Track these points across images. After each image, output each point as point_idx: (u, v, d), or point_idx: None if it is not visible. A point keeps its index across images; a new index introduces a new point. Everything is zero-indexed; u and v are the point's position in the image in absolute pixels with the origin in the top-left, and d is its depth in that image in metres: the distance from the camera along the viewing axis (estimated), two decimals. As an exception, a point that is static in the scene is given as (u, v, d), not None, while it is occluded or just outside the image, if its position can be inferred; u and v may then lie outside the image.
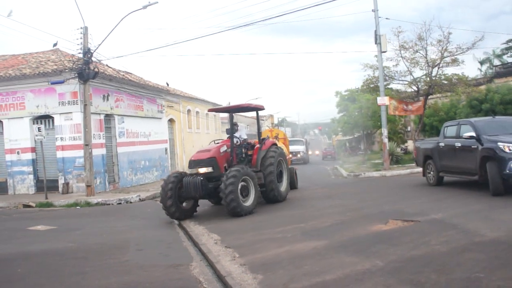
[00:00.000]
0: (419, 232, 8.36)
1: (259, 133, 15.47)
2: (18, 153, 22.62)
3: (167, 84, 36.20)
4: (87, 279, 6.96)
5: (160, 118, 30.27)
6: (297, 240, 8.62)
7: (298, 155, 47.63)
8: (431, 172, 15.62)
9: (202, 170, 12.64)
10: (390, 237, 8.17)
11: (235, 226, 10.89)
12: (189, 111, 36.57)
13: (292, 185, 17.52)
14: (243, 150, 14.44)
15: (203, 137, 38.91)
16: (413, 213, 10.23)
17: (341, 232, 9.02)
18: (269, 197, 14.07)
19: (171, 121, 32.69)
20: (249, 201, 12.52)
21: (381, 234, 8.49)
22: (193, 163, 12.89)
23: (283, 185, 14.91)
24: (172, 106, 32.40)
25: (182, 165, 33.83)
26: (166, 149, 31.02)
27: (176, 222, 12.47)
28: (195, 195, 12.49)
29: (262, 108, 15.50)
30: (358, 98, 46.01)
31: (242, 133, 15.36)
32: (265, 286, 5.83)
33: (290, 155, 21.31)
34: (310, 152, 68.42)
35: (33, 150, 22.28)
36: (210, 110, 17.24)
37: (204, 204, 14.58)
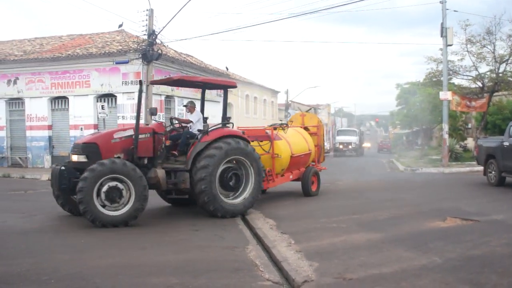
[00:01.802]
0: (479, 232, 8.19)
1: (224, 116, 11.83)
2: (81, 129, 23.39)
3: (227, 69, 36.46)
4: (146, 254, 7.18)
5: (219, 102, 30.53)
6: (352, 230, 8.61)
7: (350, 146, 45.27)
8: (493, 172, 15.17)
9: (75, 158, 9.77)
10: (448, 234, 8.05)
11: (289, 213, 10.97)
12: (247, 96, 36.78)
13: (306, 191, 13.64)
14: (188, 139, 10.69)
15: (260, 122, 39.09)
16: (472, 212, 10.02)
17: (397, 226, 8.95)
18: (206, 210, 10.28)
19: (228, 105, 32.88)
20: (123, 209, 9.24)
21: (439, 231, 8.37)
22: (72, 148, 10.40)
23: (241, 196, 10.74)
24: (230, 91, 32.57)
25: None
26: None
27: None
28: (54, 188, 10.13)
29: (231, 85, 12.52)
30: (419, 91, 44.95)
31: (194, 117, 11.27)
32: (321, 273, 5.87)
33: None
34: (367, 144, 66.98)
35: (95, 127, 22.96)
36: (151, 83, 14.60)
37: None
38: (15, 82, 24.62)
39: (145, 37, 20.33)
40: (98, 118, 21.72)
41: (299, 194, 13.83)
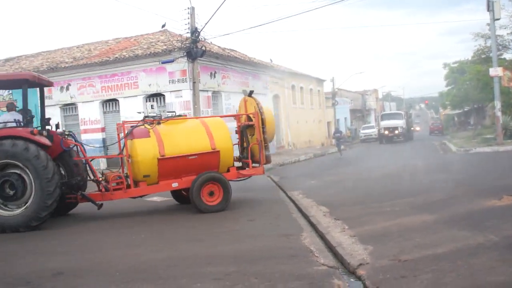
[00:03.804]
0: (537, 210, 8.05)
1: (43, 117, 11.05)
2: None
3: (271, 61, 36.59)
4: (201, 246, 7.42)
5: (265, 94, 30.71)
6: (406, 213, 8.61)
7: (396, 131, 40.71)
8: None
9: None
10: (505, 213, 7.94)
11: (342, 200, 11.01)
12: (293, 86, 36.78)
13: (195, 204, 10.26)
14: None
15: (307, 112, 39.14)
16: (531, 190, 9.80)
17: (452, 207, 8.88)
18: None
19: (275, 96, 33.06)
20: None
21: (495, 210, 8.26)
22: None
23: (23, 207, 9.42)
24: (276, 82, 32.74)
25: (287, 140, 34.30)
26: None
27: (285, 194, 12.71)
28: None
29: (50, 84, 11.77)
30: (468, 70, 43.83)
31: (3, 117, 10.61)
32: (376, 256, 5.93)
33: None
34: (416, 128, 64.95)
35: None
36: None
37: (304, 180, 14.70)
38: (67, 88, 25.46)
39: (188, 35, 20.64)
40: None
41: (351, 181, 13.84)
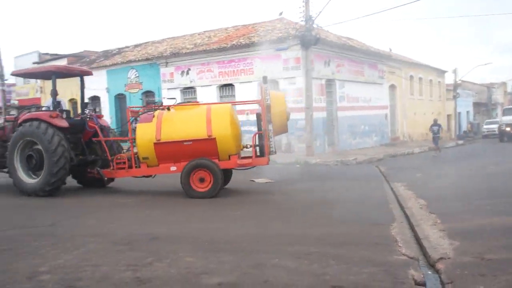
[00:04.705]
0: None
1: (83, 102, 13.12)
2: (247, 114, 24.68)
3: (390, 50, 35.73)
4: (289, 227, 7.76)
5: (381, 84, 30.20)
6: (508, 213, 8.24)
7: None
8: None
9: None
10: None
11: (443, 194, 10.74)
12: (411, 77, 35.70)
13: (184, 189, 10.82)
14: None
15: (425, 104, 37.82)
16: None
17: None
18: None
19: (392, 87, 32.35)
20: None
21: None
22: None
23: (40, 176, 11.21)
24: (393, 72, 31.99)
25: (403, 131, 33.50)
26: (386, 115, 30.94)
27: (388, 185, 12.61)
28: None
29: (87, 73, 13.41)
30: None
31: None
32: (460, 252, 5.82)
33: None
34: None
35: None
36: (13, 74, 14.60)
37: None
38: (187, 73, 26.86)
39: (303, 23, 20.83)
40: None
41: (458, 177, 13.39)
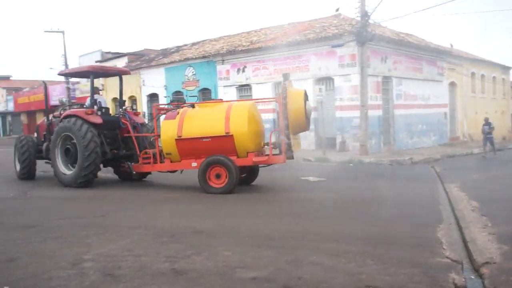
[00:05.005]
0: None
1: (121, 100, 14.44)
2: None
3: (451, 46, 34.68)
4: (332, 224, 7.76)
5: (440, 81, 29.35)
6: None
7: None
8: None
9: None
10: None
11: (498, 197, 10.42)
12: (473, 74, 34.49)
13: (201, 184, 11.07)
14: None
15: (488, 102, 36.44)
16: None
17: None
18: None
19: (452, 84, 31.39)
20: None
21: None
22: None
23: (75, 169, 11.99)
24: (453, 69, 31.00)
25: (463, 131, 32.49)
26: (445, 114, 30.05)
27: (441, 186, 12.28)
28: None
29: (124, 73, 14.75)
30: None
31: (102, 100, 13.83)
32: (508, 257, 5.61)
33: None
34: None
35: (314, 109, 23.82)
36: (59, 74, 15.98)
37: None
38: (243, 70, 27.01)
39: (359, 19, 20.54)
40: (316, 101, 22.57)
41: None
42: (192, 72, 30.12)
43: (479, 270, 5.33)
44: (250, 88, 26.88)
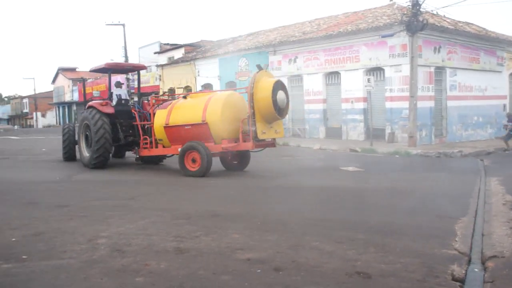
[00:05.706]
0: None
1: (139, 94, 15.79)
2: (352, 102, 24.47)
3: (514, 35, 33.30)
4: (346, 213, 7.87)
5: (500, 72, 28.28)
6: None
7: None
8: None
9: None
10: None
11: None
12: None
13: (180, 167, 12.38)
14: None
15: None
16: None
17: None
18: None
19: (512, 76, 30.17)
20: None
21: None
22: None
23: (90, 151, 13.74)
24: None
25: (524, 124, 31.14)
26: (504, 106, 28.96)
27: (481, 179, 11.96)
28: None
29: (141, 68, 16.43)
30: None
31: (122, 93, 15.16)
32: (519, 253, 5.50)
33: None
34: None
35: (365, 100, 23.62)
36: (90, 70, 16.84)
37: None
38: (294, 61, 27.04)
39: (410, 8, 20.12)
40: (366, 91, 22.36)
41: None
42: (245, 63, 30.38)
43: (485, 263, 5.26)
44: (301, 79, 26.91)
